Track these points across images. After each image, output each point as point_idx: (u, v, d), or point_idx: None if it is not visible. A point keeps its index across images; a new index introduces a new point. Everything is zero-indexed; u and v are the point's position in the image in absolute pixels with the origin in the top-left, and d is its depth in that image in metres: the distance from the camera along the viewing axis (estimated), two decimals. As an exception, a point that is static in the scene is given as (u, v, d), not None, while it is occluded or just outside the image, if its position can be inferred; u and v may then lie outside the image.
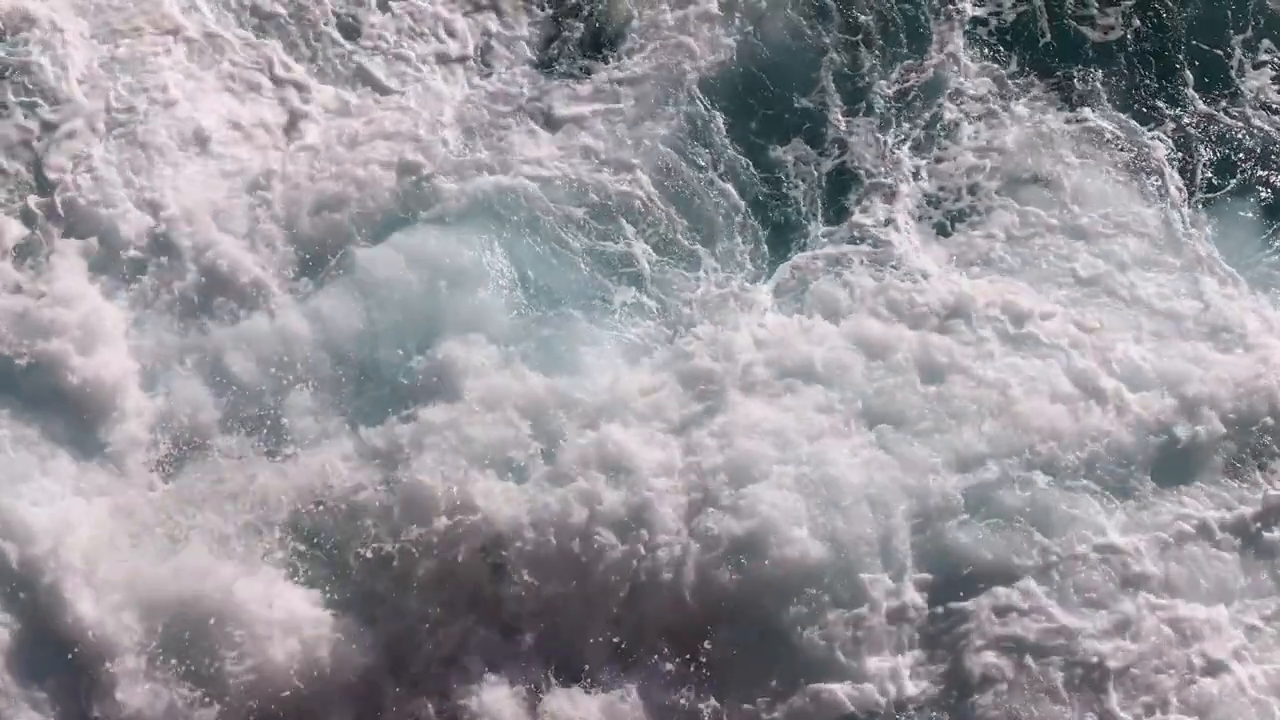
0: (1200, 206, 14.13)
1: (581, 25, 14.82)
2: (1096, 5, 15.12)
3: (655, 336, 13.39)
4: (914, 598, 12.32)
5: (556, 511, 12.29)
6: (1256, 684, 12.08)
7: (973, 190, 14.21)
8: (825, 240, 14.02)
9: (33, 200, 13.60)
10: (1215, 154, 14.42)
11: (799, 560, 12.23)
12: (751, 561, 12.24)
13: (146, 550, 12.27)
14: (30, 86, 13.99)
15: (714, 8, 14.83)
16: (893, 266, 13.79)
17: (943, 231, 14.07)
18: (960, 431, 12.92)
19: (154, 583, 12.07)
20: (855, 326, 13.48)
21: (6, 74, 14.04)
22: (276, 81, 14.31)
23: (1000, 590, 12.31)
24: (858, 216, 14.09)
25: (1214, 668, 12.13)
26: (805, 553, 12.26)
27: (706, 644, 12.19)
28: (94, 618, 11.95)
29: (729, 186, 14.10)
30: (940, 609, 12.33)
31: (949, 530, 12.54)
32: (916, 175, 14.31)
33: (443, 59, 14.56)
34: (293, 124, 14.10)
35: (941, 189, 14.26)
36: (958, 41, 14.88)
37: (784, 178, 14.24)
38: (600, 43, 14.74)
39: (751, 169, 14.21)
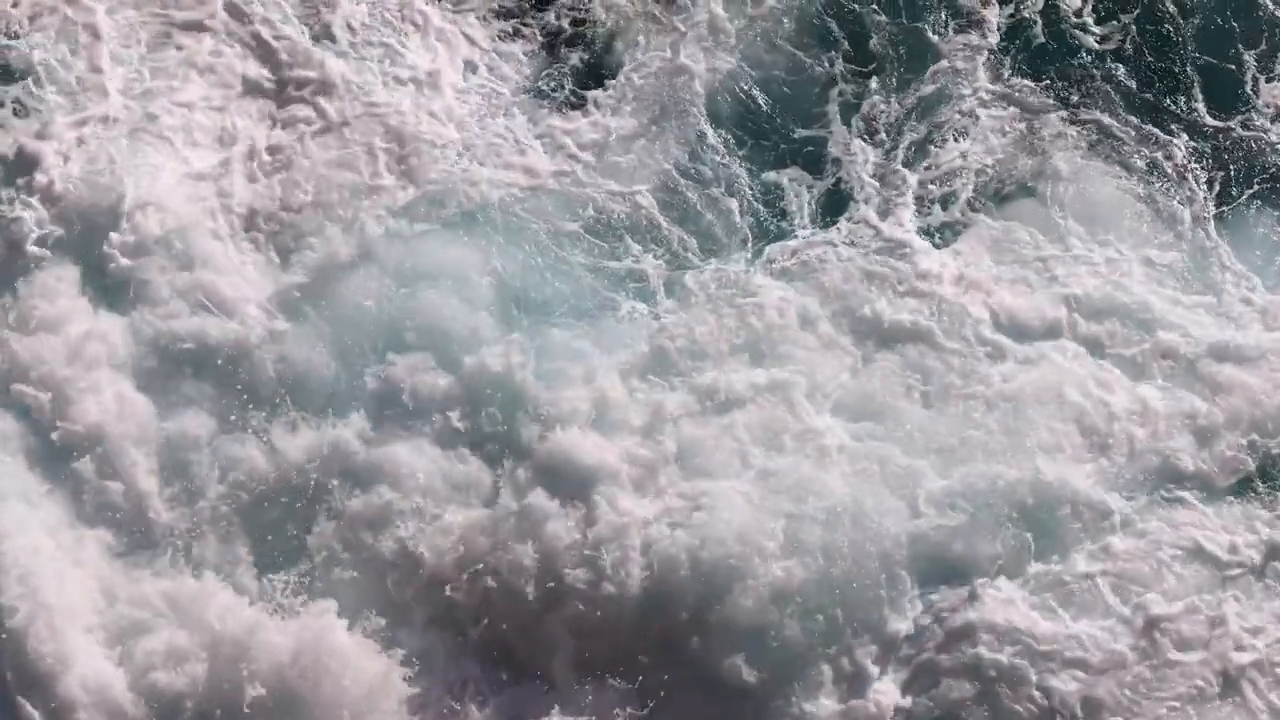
0: (1221, 219, 14.03)
1: (583, 48, 14.76)
2: (1113, 23, 15.05)
3: (643, 341, 13.22)
4: (893, 625, 12.02)
5: (526, 561, 12.05)
6: (1266, 699, 11.93)
7: (971, 201, 14.12)
8: (817, 242, 13.87)
9: (24, 205, 13.49)
10: (1233, 167, 14.32)
11: (761, 594, 11.89)
12: (711, 596, 11.92)
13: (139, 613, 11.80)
14: (34, 89, 13.99)
15: (711, 29, 14.81)
16: (890, 265, 13.67)
17: (942, 238, 13.96)
18: (952, 437, 12.74)
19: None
20: (844, 323, 13.35)
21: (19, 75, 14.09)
22: (278, 85, 14.26)
23: (990, 611, 12.05)
24: (851, 222, 13.97)
25: (1223, 683, 11.96)
26: (766, 587, 11.90)
27: (654, 675, 11.90)
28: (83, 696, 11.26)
29: (731, 201, 14.02)
30: (922, 634, 12.04)
31: (934, 546, 12.27)
32: (915, 182, 14.23)
33: (442, 72, 14.48)
34: (290, 129, 14.01)
35: (939, 197, 14.15)
36: (957, 58, 14.79)
37: (781, 193, 14.15)
38: (601, 66, 14.68)
39: (751, 184, 14.12)
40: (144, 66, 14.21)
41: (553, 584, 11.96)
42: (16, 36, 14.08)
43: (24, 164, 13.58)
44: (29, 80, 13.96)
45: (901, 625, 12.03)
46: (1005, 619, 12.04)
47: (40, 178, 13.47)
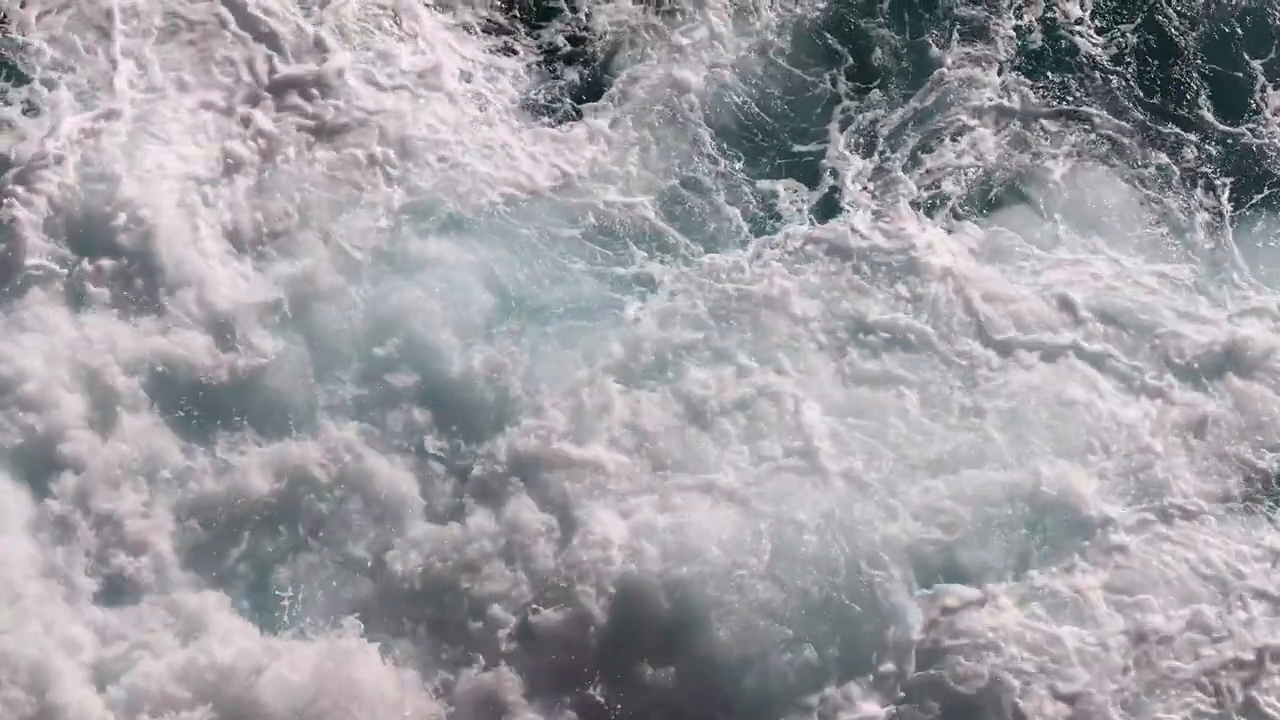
0: (1232, 225, 13.93)
1: (583, 61, 14.67)
2: (1117, 32, 14.95)
3: (629, 345, 13.03)
4: (883, 641, 11.83)
5: (497, 583, 11.97)
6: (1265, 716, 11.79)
7: (972, 207, 14.03)
8: (814, 236, 13.77)
9: (24, 209, 13.34)
10: (1244, 173, 14.22)
11: (744, 616, 11.73)
12: (688, 622, 11.74)
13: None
14: (43, 89, 13.91)
15: (711, 42, 14.72)
16: (887, 269, 13.55)
17: (941, 242, 13.75)
18: (948, 442, 12.57)
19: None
20: (838, 325, 13.17)
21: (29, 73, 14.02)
22: (275, 86, 14.12)
23: (984, 624, 11.90)
24: (846, 225, 13.83)
25: (1219, 700, 11.86)
26: (749, 609, 11.72)
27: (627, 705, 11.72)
28: None
29: (729, 210, 13.92)
30: (914, 649, 11.83)
31: (928, 557, 12.11)
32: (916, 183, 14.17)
33: (441, 80, 14.32)
34: (286, 133, 13.86)
35: (938, 202, 14.02)
36: (960, 69, 14.69)
37: (777, 200, 14.04)
38: (600, 77, 14.59)
39: (750, 193, 14.02)
40: (150, 63, 14.10)
41: (521, 607, 11.85)
42: (25, 34, 14.04)
43: (27, 167, 13.45)
44: (36, 80, 13.92)
45: (892, 644, 11.84)
46: (1000, 631, 11.89)
47: (41, 183, 13.36)
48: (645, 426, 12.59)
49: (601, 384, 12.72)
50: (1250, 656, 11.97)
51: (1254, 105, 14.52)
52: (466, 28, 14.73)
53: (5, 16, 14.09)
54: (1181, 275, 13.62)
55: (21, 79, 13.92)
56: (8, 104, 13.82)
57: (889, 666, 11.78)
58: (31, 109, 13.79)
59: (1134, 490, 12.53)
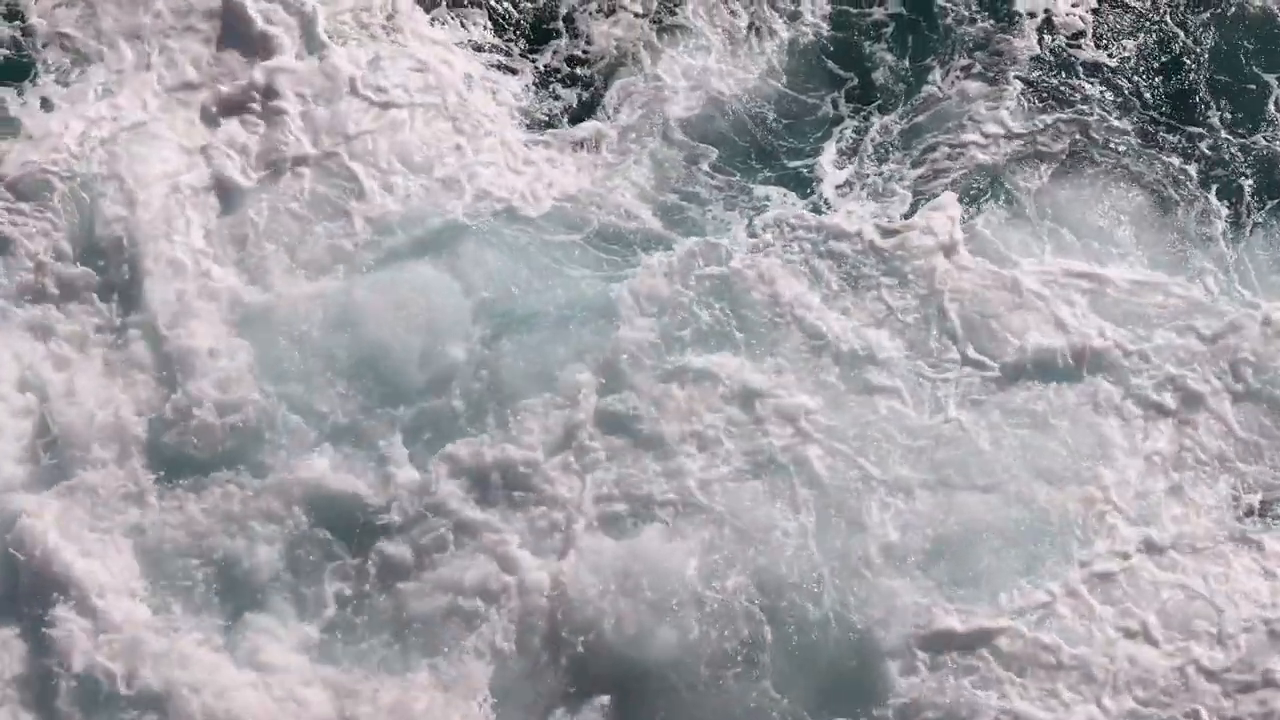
0: (1245, 236, 13.56)
1: (581, 78, 14.67)
2: (1125, 43, 14.70)
3: (612, 353, 12.92)
4: (870, 674, 11.60)
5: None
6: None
7: (974, 213, 13.74)
8: (803, 224, 13.63)
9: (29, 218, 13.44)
10: (1254, 181, 13.82)
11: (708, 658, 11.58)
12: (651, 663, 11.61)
13: None
14: (54, 86, 14.10)
15: (710, 58, 14.68)
16: (885, 275, 13.32)
17: (941, 249, 13.48)
18: (941, 456, 12.27)
19: None
20: (829, 332, 12.91)
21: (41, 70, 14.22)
22: (269, 93, 14.12)
23: (976, 648, 11.63)
24: (839, 229, 13.64)
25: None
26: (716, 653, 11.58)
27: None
28: None
29: (725, 216, 13.84)
30: (906, 672, 11.57)
31: (920, 578, 11.84)
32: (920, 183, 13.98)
33: (441, 94, 14.29)
34: (280, 142, 13.87)
35: (934, 205, 13.73)
36: (960, 84, 14.46)
37: (771, 203, 13.93)
38: (598, 93, 14.58)
39: (744, 202, 13.92)
40: (157, 62, 14.20)
41: (479, 646, 11.83)
42: (37, 30, 14.32)
43: (29, 171, 13.60)
44: (43, 77, 14.15)
45: (877, 676, 11.61)
46: (987, 655, 11.61)
47: (42, 191, 13.48)
48: (616, 440, 12.49)
49: (571, 396, 12.62)
50: (1254, 679, 11.51)
51: (1267, 116, 14.12)
52: (463, 44, 14.79)
53: (22, 16, 14.44)
54: (1190, 286, 13.23)
55: (30, 76, 14.21)
56: (24, 104, 14.05)
57: (872, 702, 11.56)
58: (45, 106, 14.02)
59: (1134, 509, 12.10)
